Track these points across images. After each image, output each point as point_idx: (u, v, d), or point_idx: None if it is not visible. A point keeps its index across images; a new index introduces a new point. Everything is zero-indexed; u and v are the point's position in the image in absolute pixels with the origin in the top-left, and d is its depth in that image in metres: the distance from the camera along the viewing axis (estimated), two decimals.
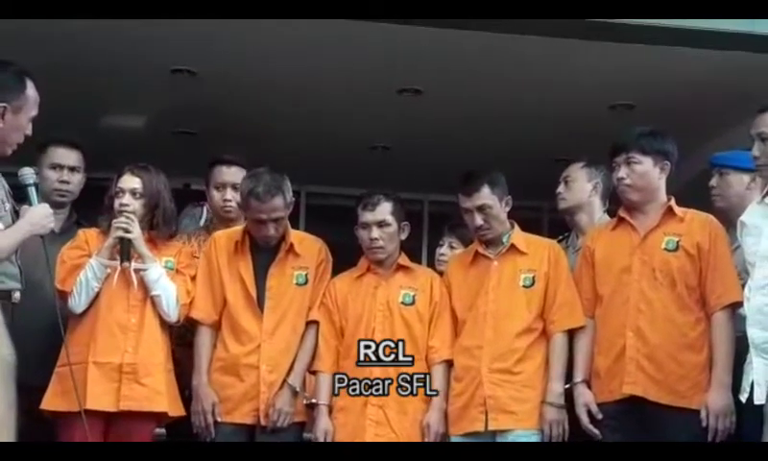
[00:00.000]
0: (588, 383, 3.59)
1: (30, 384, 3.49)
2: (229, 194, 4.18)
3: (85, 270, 3.63)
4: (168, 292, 3.69)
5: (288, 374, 3.72)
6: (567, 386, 3.60)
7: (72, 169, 4.00)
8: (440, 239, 4.36)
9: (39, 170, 3.86)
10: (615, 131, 3.88)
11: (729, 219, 3.70)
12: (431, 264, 4.40)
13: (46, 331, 3.53)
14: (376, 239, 3.73)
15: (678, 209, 3.61)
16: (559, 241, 4.11)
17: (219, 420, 3.68)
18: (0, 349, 1.21)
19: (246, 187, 3.73)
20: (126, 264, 3.64)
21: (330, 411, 3.72)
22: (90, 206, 4.01)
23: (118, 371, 3.58)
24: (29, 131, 3.29)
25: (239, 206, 3.97)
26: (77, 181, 4.03)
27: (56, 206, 3.82)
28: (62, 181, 3.97)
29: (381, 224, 3.74)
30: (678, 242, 3.53)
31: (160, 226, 3.77)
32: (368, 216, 3.75)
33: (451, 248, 4.18)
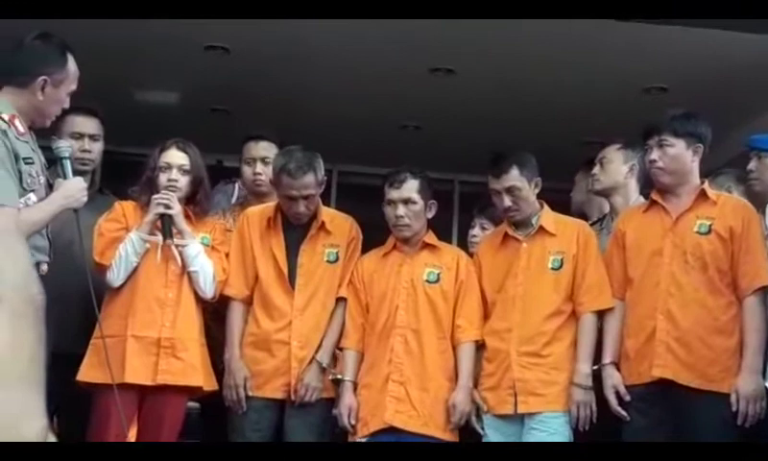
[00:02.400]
0: (616, 365, 3.58)
1: (68, 352, 3.58)
2: (259, 168, 4.22)
3: (125, 244, 3.65)
4: (206, 269, 3.71)
5: (317, 350, 3.76)
6: (596, 368, 3.60)
7: (92, 137, 3.98)
8: (470, 220, 4.36)
9: (59, 138, 3.88)
10: (649, 113, 3.85)
11: (765, 203, 3.67)
12: (462, 245, 4.40)
13: (79, 299, 3.55)
14: (401, 217, 3.73)
15: (711, 192, 3.59)
16: (593, 224, 4.10)
17: (250, 394, 3.73)
18: (30, 288, 1.23)
19: (278, 164, 3.75)
20: (169, 240, 3.66)
21: (356, 387, 3.75)
22: (122, 180, 4.04)
23: (156, 345, 3.62)
24: (67, 104, 3.31)
25: (271, 182, 3.99)
26: (98, 149, 4.01)
27: (78, 174, 3.79)
28: (84, 150, 3.94)
29: (407, 201, 3.74)
30: (710, 225, 3.50)
31: (203, 202, 3.80)
32: (393, 193, 3.75)
33: (483, 229, 4.16)
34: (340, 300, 3.83)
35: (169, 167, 3.73)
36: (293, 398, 3.71)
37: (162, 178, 3.72)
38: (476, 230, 4.20)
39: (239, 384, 3.72)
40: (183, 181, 3.73)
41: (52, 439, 1.26)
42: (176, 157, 3.74)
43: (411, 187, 3.75)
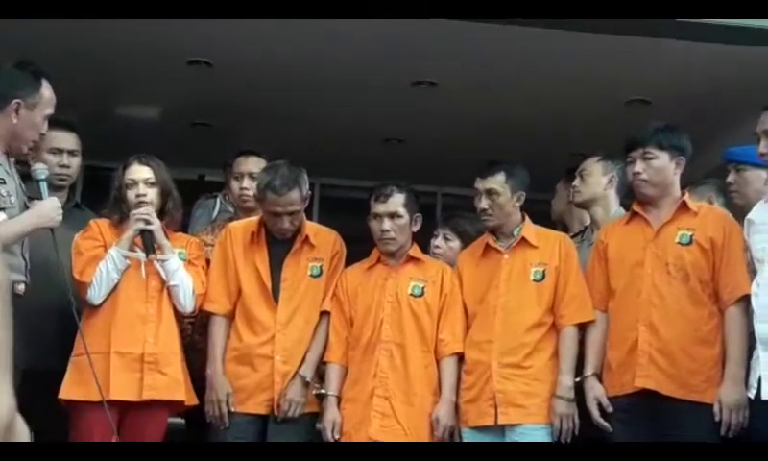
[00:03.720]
0: (598, 377, 3.59)
1: (43, 368, 3.56)
2: (246, 183, 4.23)
3: (105, 261, 3.63)
4: (185, 283, 3.71)
5: (301, 364, 3.74)
6: (578, 380, 3.60)
7: (71, 152, 4.00)
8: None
9: (37, 154, 3.85)
10: (631, 126, 3.87)
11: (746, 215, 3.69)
12: None
13: (55, 315, 3.55)
14: (387, 231, 3.74)
15: (691, 204, 3.60)
16: (574, 236, 4.11)
17: (232, 410, 3.70)
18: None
19: (263, 180, 3.75)
20: (152, 255, 3.65)
21: (339, 402, 3.74)
22: (104, 196, 4.03)
23: (140, 361, 3.60)
24: (44, 129, 3.35)
25: (255, 198, 3.97)
26: (76, 164, 4.03)
27: (56, 189, 3.84)
28: (63, 166, 3.96)
29: (393, 215, 3.75)
30: (691, 236, 3.52)
31: (172, 213, 3.79)
32: (380, 207, 3.76)
33: (446, 239, 4.12)
34: (324, 313, 3.82)
35: (135, 183, 3.72)
36: (276, 413, 3.70)
37: (130, 194, 3.71)
38: (439, 241, 4.14)
39: (221, 399, 3.70)
40: (152, 194, 3.72)
41: (19, 419, 1.25)
42: (139, 171, 3.73)
43: (397, 201, 3.75)
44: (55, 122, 3.86)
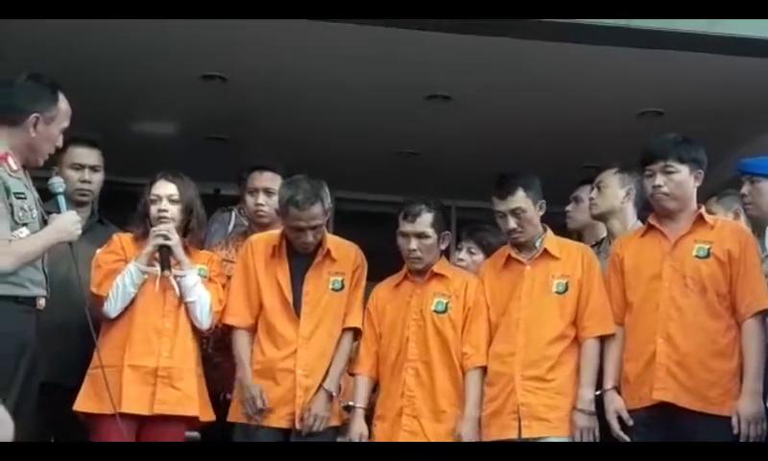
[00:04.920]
0: (618, 390, 3.57)
1: (64, 385, 3.58)
2: (262, 199, 4.22)
3: (123, 275, 3.66)
4: (203, 299, 3.72)
5: (324, 378, 3.73)
6: (598, 393, 3.59)
7: (93, 168, 4.04)
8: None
9: (59, 169, 3.92)
10: (644, 138, 3.86)
11: (762, 227, 3.68)
12: None
13: (75, 332, 3.57)
14: (414, 250, 3.75)
15: (708, 217, 3.60)
16: (593, 246, 4.10)
17: (265, 406, 3.66)
18: None
19: (285, 195, 3.74)
20: (167, 272, 3.67)
21: (366, 414, 3.74)
22: (120, 210, 4.06)
23: (153, 374, 3.61)
24: (60, 142, 3.37)
25: (277, 213, 3.96)
26: (98, 180, 4.08)
27: (78, 204, 3.90)
28: (84, 181, 4.01)
29: (420, 235, 3.75)
30: (709, 249, 3.51)
31: (195, 230, 3.80)
32: (407, 227, 3.76)
33: (470, 253, 4.15)
34: (347, 329, 3.82)
35: (159, 198, 3.75)
36: (298, 427, 3.68)
37: (153, 209, 3.74)
38: (463, 254, 4.17)
39: (255, 395, 3.66)
40: (174, 211, 3.74)
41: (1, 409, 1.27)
42: (164, 187, 3.76)
43: (425, 221, 3.76)
44: (77, 138, 3.92)
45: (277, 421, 3.71)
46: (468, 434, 3.62)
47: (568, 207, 4.41)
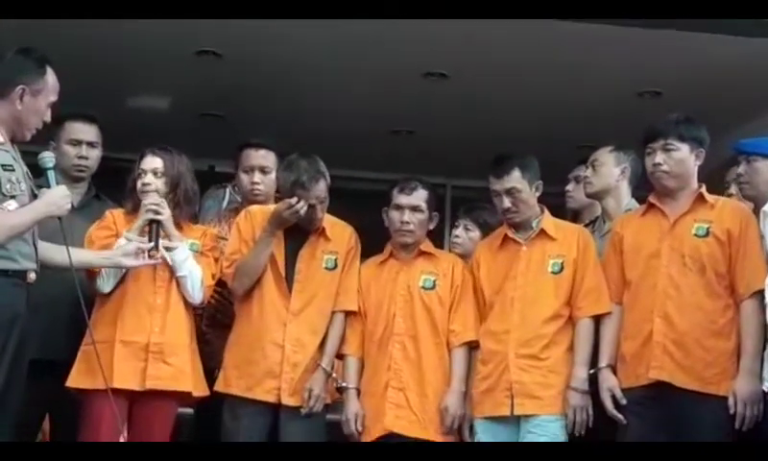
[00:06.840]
0: (612, 368, 3.58)
1: (56, 359, 3.57)
2: (257, 177, 4.19)
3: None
4: (194, 274, 3.70)
5: (319, 357, 3.75)
6: (592, 371, 3.60)
7: (90, 144, 4.04)
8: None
9: (57, 145, 3.90)
10: (643, 118, 3.85)
11: (758, 207, 3.66)
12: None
13: (67, 306, 3.55)
14: (408, 223, 3.79)
15: (709, 196, 3.59)
16: (586, 226, 4.10)
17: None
18: None
19: (288, 179, 3.74)
20: (152, 247, 3.63)
21: (359, 394, 3.77)
22: (114, 186, 4.03)
23: (145, 350, 3.60)
24: (47, 117, 3.32)
25: (279, 198, 3.92)
26: (95, 156, 4.07)
27: (74, 180, 3.90)
28: (81, 157, 4.00)
29: (415, 209, 3.80)
30: (708, 228, 3.50)
31: (181, 205, 3.77)
32: (403, 198, 3.81)
33: (466, 230, 4.18)
34: (340, 311, 3.82)
35: (144, 172, 3.74)
36: (284, 402, 3.69)
37: (138, 183, 3.73)
38: (459, 231, 4.21)
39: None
40: (158, 184, 3.72)
41: None
42: (149, 162, 3.75)
43: (420, 196, 3.82)
44: (75, 114, 3.88)
45: (263, 394, 3.71)
46: (453, 406, 3.66)
47: (568, 187, 4.40)
